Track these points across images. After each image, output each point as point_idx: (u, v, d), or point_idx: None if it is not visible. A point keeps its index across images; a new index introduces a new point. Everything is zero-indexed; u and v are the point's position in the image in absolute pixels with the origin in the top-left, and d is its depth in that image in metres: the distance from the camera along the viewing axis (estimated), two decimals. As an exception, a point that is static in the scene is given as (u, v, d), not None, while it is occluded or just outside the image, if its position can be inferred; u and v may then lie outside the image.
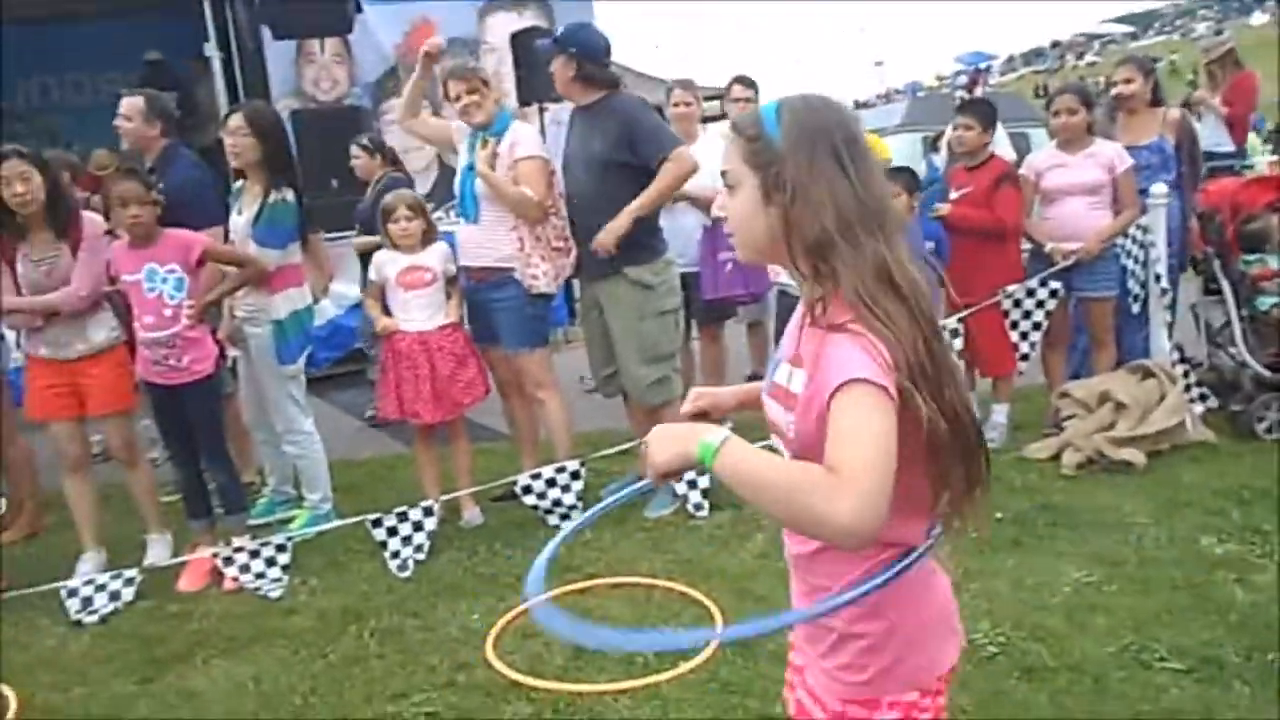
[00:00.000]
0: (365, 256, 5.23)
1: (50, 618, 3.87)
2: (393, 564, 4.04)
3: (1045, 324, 4.90)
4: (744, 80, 5.88)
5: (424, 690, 3.09)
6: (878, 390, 1.20)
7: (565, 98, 4.56)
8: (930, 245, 4.88)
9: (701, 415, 1.63)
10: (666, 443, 1.31)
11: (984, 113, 5.09)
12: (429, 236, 4.46)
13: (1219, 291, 4.86)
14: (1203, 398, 4.96)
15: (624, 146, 4.18)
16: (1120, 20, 67.39)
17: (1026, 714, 2.66)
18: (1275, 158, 11.09)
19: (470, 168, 4.35)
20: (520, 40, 6.81)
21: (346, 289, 6.22)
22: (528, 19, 8.75)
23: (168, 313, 3.99)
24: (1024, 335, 4.95)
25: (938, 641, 1.42)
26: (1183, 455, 4.51)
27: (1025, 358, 5.02)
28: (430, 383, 4.35)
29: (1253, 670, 2.76)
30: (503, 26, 8.50)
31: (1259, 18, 51.80)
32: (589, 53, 4.26)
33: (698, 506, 4.32)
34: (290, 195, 4.35)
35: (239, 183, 4.54)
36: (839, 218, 1.28)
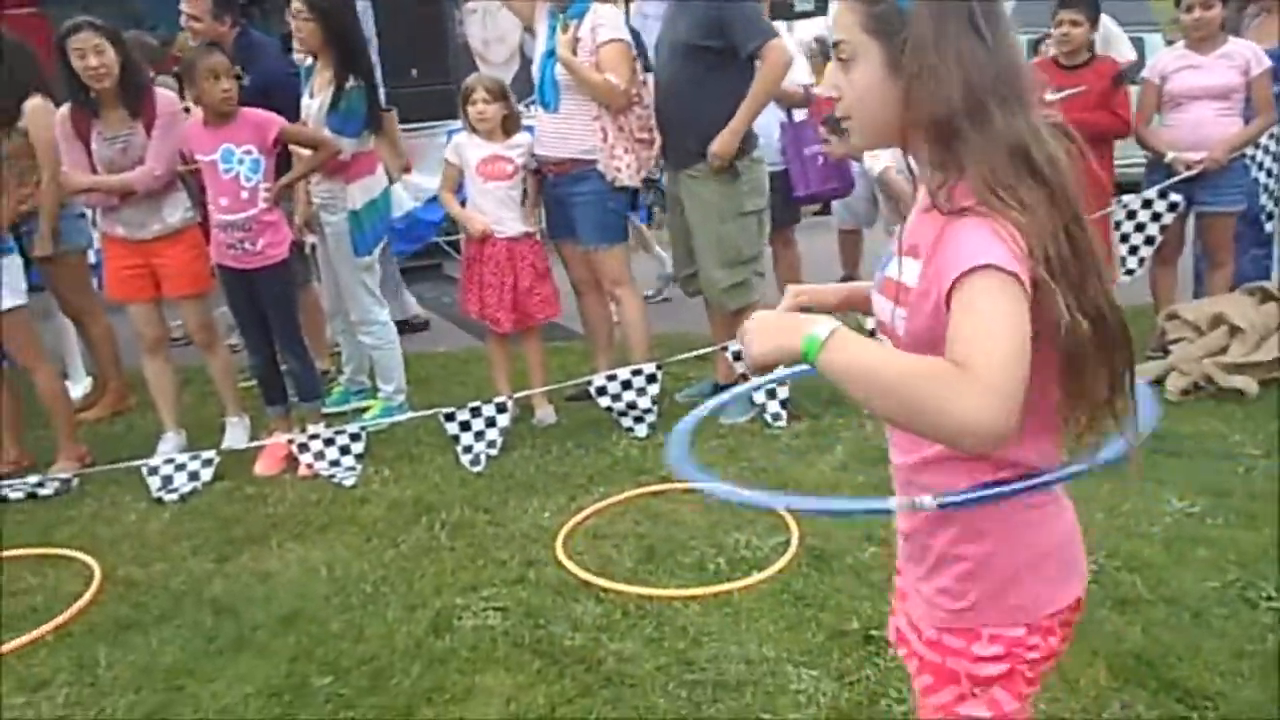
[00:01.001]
0: None
1: (133, 494, 3.96)
2: (465, 458, 4.01)
3: (1159, 239, 4.58)
4: None
5: (494, 585, 3.06)
6: (1009, 278, 1.05)
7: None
8: None
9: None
10: (766, 333, 1.17)
11: (1089, 8, 4.70)
12: (511, 125, 4.30)
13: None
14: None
15: (714, 31, 3.95)
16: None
17: (1118, 646, 2.52)
18: None
19: (550, 53, 4.16)
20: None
21: (426, 180, 6.11)
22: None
23: (244, 195, 3.94)
24: (1133, 249, 4.63)
25: (1051, 576, 1.27)
26: (1299, 385, 4.22)
27: (1131, 273, 4.71)
28: (512, 292, 4.27)
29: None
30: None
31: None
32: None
33: (775, 416, 4.19)
34: (359, 80, 4.22)
35: (309, 62, 4.43)
36: (972, 90, 1.11)
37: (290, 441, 4.08)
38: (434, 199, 5.88)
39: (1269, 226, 4.70)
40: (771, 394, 4.18)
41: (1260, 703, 2.28)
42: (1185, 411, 4.04)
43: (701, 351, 4.51)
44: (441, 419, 4.02)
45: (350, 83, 4.20)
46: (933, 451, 1.24)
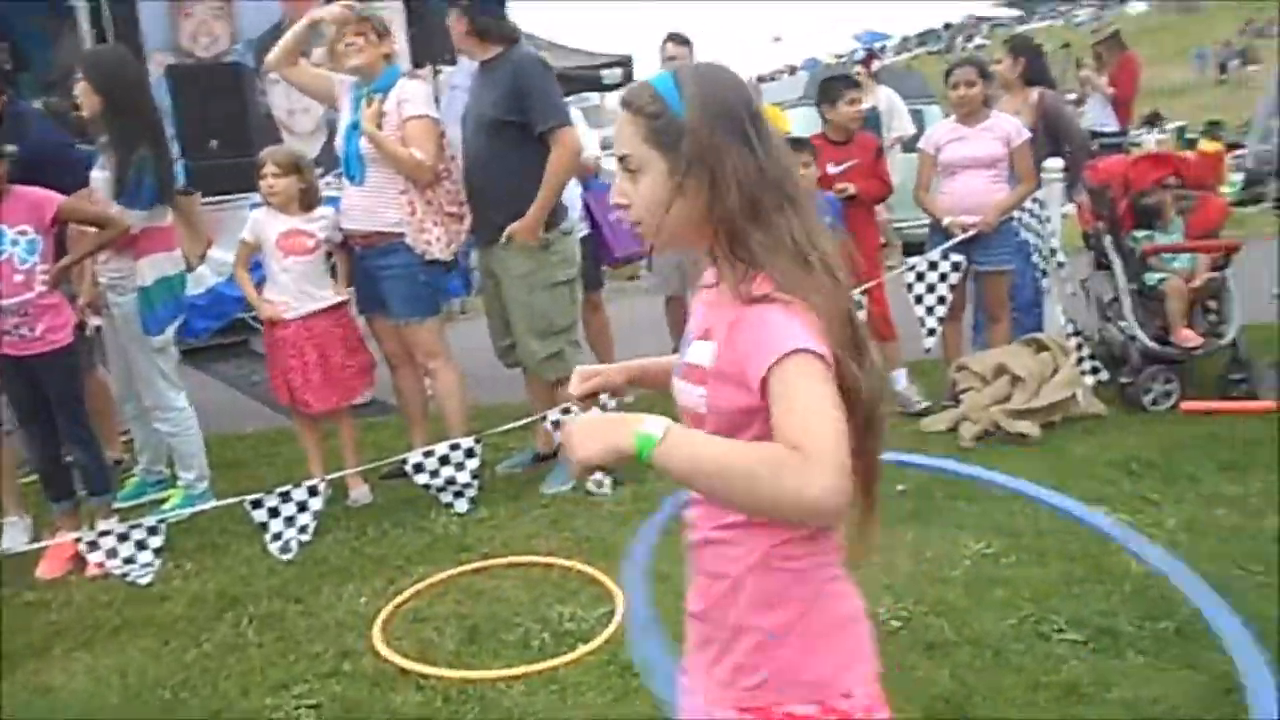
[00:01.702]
0: None
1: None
2: (274, 546, 3.81)
3: (949, 297, 4.92)
4: (678, 38, 5.68)
5: (306, 680, 2.90)
6: (817, 359, 1.12)
7: (462, 53, 4.36)
8: (829, 219, 4.81)
9: (592, 396, 1.51)
10: (593, 436, 1.17)
11: (852, 85, 5.18)
12: (310, 198, 4.20)
13: (1109, 266, 4.95)
14: (1094, 370, 5.07)
15: (514, 106, 4.00)
16: (1009, 3, 69.46)
17: (930, 689, 2.62)
18: (1163, 136, 11.56)
19: (354, 126, 4.11)
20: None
21: (228, 255, 5.86)
22: (422, -23, 8.43)
23: (19, 278, 3.67)
24: (930, 310, 4.96)
25: (847, 649, 1.29)
26: (1075, 427, 4.58)
27: (933, 332, 5.03)
28: (320, 370, 4.14)
29: (1146, 639, 2.78)
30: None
31: (1136, 5, 54.03)
32: (483, 6, 4.06)
33: (598, 484, 4.20)
34: (147, 151, 4.02)
35: (103, 137, 4.20)
36: (746, 197, 1.20)
37: (77, 540, 3.76)
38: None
39: (1045, 282, 5.13)
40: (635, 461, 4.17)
41: (1056, 732, 2.42)
42: (978, 457, 4.30)
43: (521, 422, 4.48)
44: (248, 506, 3.81)
45: (138, 153, 3.99)
46: (730, 519, 1.26)
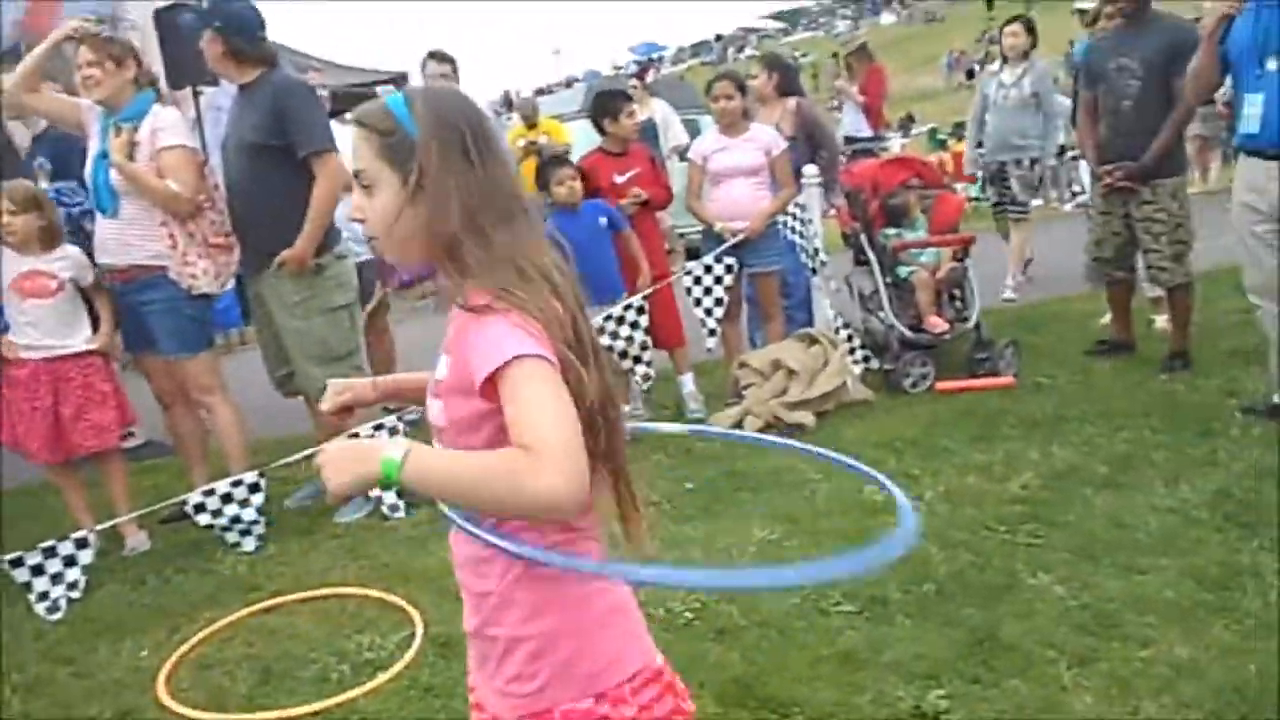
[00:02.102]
0: None
1: None
2: (40, 607, 3.54)
3: (726, 298, 5.15)
4: (439, 55, 5.67)
5: (82, 747, 2.73)
6: (541, 361, 1.18)
7: (220, 76, 4.20)
8: (604, 221, 4.90)
9: (347, 410, 1.54)
10: (342, 465, 1.21)
11: (628, 99, 5.38)
12: (51, 237, 3.92)
13: (867, 262, 5.34)
14: (865, 359, 5.44)
15: (275, 130, 3.91)
16: (774, 16, 73.13)
17: (722, 673, 2.76)
18: (908, 140, 12.50)
19: (103, 155, 3.89)
20: (165, 18, 6.21)
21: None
22: (172, -6, 8.02)
23: None
24: (708, 311, 5.17)
25: (615, 641, 1.35)
26: (847, 413, 4.92)
27: (714, 332, 5.25)
28: (51, 417, 3.85)
29: (912, 603, 3.04)
30: (144, 3, 7.73)
31: (887, 17, 58.06)
32: (237, 26, 3.94)
33: (393, 508, 4.14)
34: None
35: None
36: (467, 213, 1.26)
37: None
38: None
39: (815, 280, 5.48)
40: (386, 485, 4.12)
41: (836, 698, 2.60)
42: (761, 449, 4.55)
43: (308, 452, 4.35)
44: (6, 566, 3.51)
45: None
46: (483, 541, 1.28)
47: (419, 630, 3.10)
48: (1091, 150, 5.18)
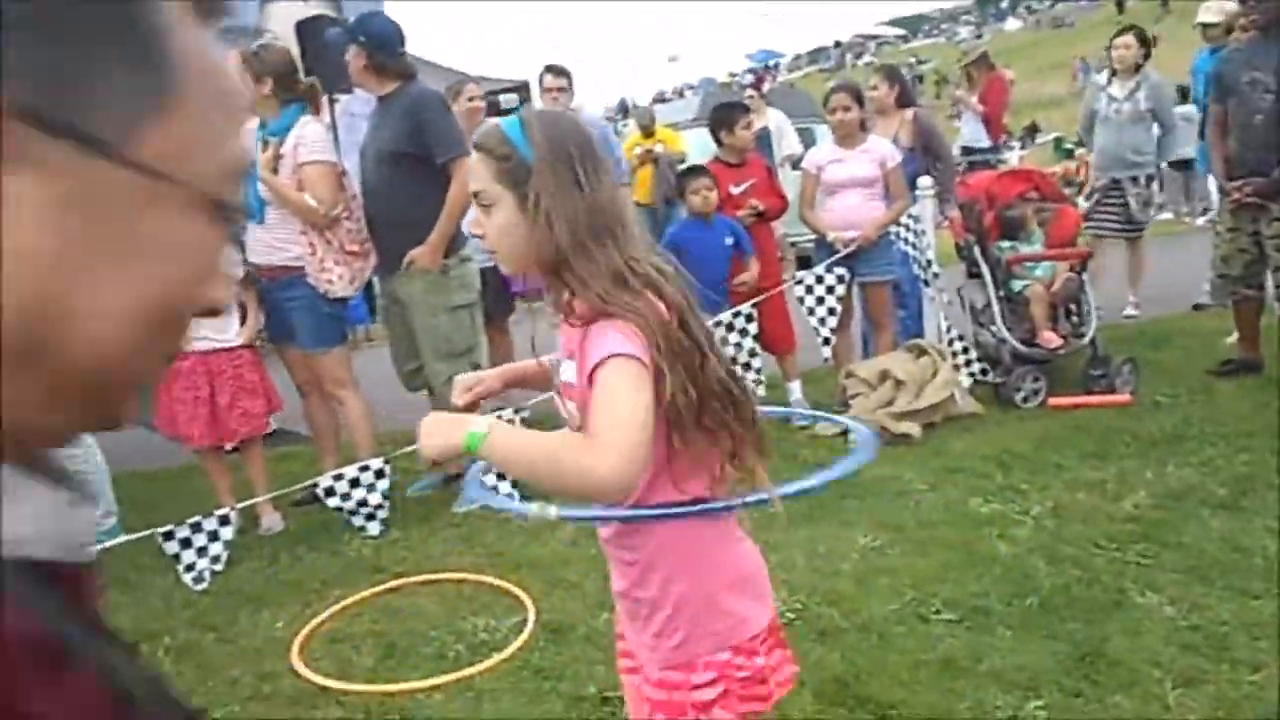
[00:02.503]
0: None
1: None
2: (187, 577, 3.85)
3: (839, 308, 5.19)
4: (556, 69, 5.91)
5: (226, 704, 2.97)
6: (628, 359, 1.31)
7: (361, 87, 4.48)
8: (731, 240, 5.04)
9: (475, 405, 1.69)
10: (434, 433, 1.38)
11: (745, 110, 5.47)
12: None
13: (980, 275, 5.31)
14: (983, 370, 5.40)
15: (412, 139, 4.14)
16: (893, 23, 71.95)
17: (821, 672, 2.83)
18: (1025, 152, 12.21)
19: (254, 165, 4.19)
20: (306, 29, 6.57)
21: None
22: (313, 7, 8.46)
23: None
24: (822, 321, 5.23)
25: (745, 602, 1.51)
26: (954, 426, 4.90)
27: (827, 341, 5.29)
28: (209, 406, 4.19)
29: (1014, 615, 3.05)
30: (286, 15, 8.18)
31: (1012, 23, 56.49)
32: (380, 42, 4.19)
33: (510, 497, 4.32)
34: None
35: None
36: (572, 233, 1.38)
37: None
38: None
39: (928, 291, 5.48)
40: (502, 477, 4.31)
41: (934, 703, 2.65)
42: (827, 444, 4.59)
43: (430, 444, 4.58)
44: (159, 538, 3.83)
45: None
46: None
47: (531, 615, 3.28)
48: (1220, 164, 5.04)
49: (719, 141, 5.35)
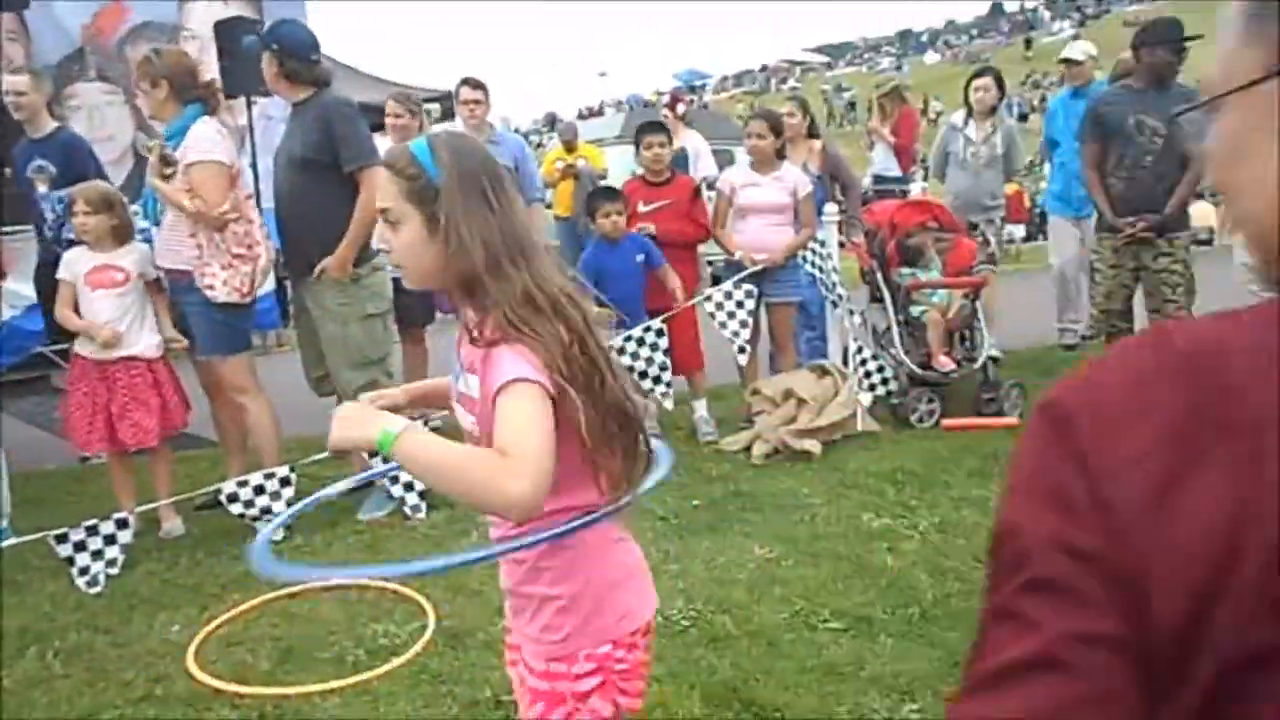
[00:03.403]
0: None
1: None
2: (81, 580, 3.78)
3: (750, 320, 5.28)
4: (473, 82, 5.96)
5: (116, 707, 2.95)
6: (531, 384, 1.38)
7: (275, 94, 4.48)
8: (641, 257, 5.12)
9: None
10: (349, 424, 1.44)
11: (664, 130, 5.58)
12: (122, 235, 4.22)
13: (881, 299, 5.52)
14: (884, 383, 5.54)
15: (323, 147, 4.15)
16: (819, 50, 73.49)
17: (711, 677, 2.93)
18: (927, 184, 12.67)
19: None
20: (225, 29, 6.52)
21: (22, 288, 5.70)
22: (233, 9, 8.37)
23: None
24: (735, 333, 5.27)
25: (628, 598, 1.60)
26: (853, 443, 5.09)
27: (743, 349, 5.35)
28: (105, 414, 4.17)
29: (897, 624, 3.20)
30: (205, 14, 8.08)
31: (931, 56, 58.22)
32: (292, 49, 4.20)
33: (415, 508, 4.36)
34: None
35: None
36: (488, 253, 1.45)
37: None
38: (33, 307, 5.51)
39: (835, 312, 5.66)
40: (410, 486, 4.35)
41: (816, 707, 2.77)
42: (767, 473, 4.74)
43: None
44: (52, 541, 3.76)
45: None
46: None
47: (430, 621, 3.31)
48: (1105, 203, 5.33)
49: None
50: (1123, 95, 5.33)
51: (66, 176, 5.10)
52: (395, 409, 1.79)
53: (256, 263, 4.30)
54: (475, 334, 1.48)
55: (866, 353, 5.55)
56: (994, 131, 6.43)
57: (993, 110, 6.51)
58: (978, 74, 6.74)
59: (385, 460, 1.41)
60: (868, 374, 5.49)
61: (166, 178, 4.09)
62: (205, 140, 4.17)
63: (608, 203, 5.08)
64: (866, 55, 70.22)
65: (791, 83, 58.65)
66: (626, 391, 1.52)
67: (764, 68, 69.78)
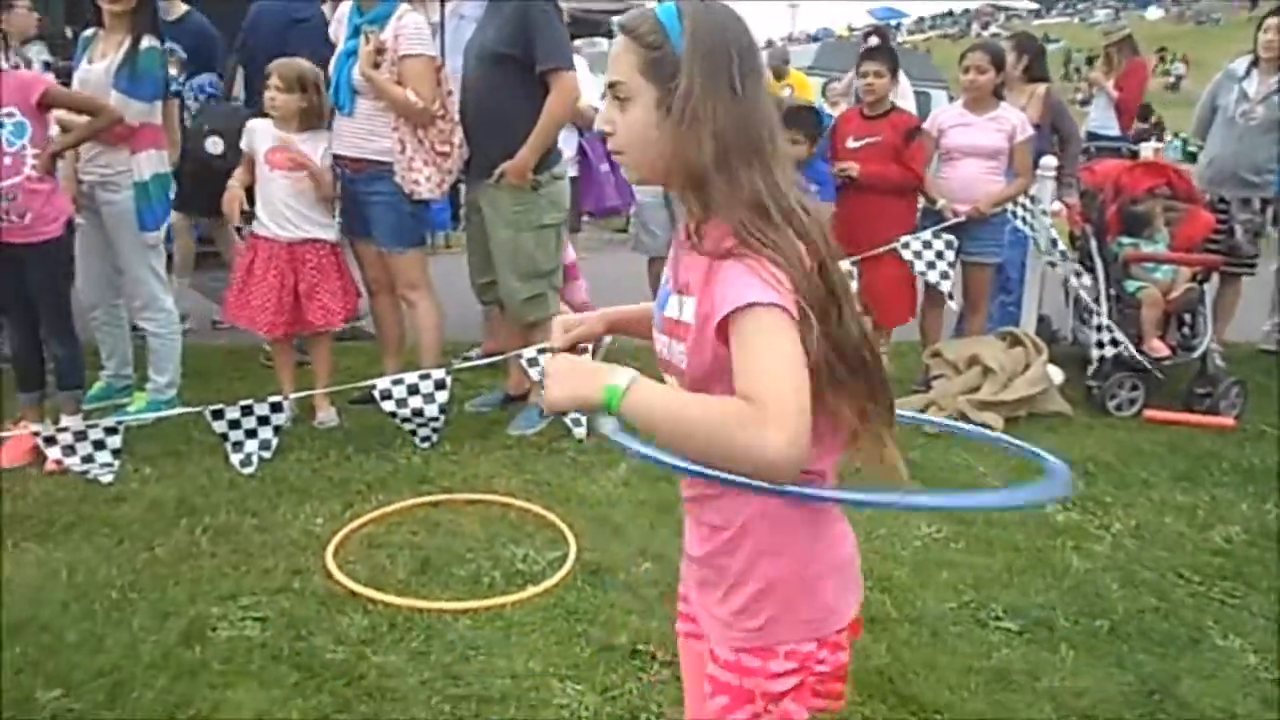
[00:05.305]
0: None
1: None
2: (235, 458, 3.81)
3: (950, 272, 4.84)
4: None
5: (255, 594, 2.93)
6: (779, 312, 1.12)
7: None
8: (815, 189, 4.73)
9: (574, 348, 1.53)
10: (568, 381, 1.21)
11: (891, 60, 5.05)
12: (311, 119, 4.15)
13: (1092, 269, 4.98)
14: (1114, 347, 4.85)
15: (518, 42, 3.95)
16: (1027, -4, 69.04)
17: (865, 662, 2.67)
18: (1160, 145, 11.58)
19: (349, 54, 4.05)
20: (426, -79, 6.38)
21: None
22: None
23: (7, 160, 3.63)
24: (944, 275, 4.86)
25: (838, 590, 1.36)
26: (1039, 424, 4.63)
27: (951, 296, 4.97)
28: (292, 295, 4.16)
29: (1080, 635, 2.86)
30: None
31: (1154, 11, 53.77)
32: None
33: (575, 422, 4.19)
34: (157, 44, 4.00)
35: (89, 31, 4.15)
36: (720, 146, 1.20)
37: (36, 434, 3.75)
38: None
39: (1031, 278, 5.14)
40: (605, 411, 4.16)
41: (983, 714, 2.49)
42: (939, 443, 4.35)
43: (494, 359, 4.49)
44: (209, 416, 3.79)
45: (146, 43, 3.95)
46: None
47: (572, 552, 3.18)
48: None
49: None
50: None
51: (196, 61, 5.13)
52: (593, 336, 1.56)
53: (452, 160, 4.19)
54: (698, 240, 1.23)
55: (1102, 319, 4.85)
56: (1279, 89, 5.37)
57: None
58: (1273, 11, 5.53)
59: (610, 413, 1.16)
60: (1099, 344, 4.85)
61: (377, 66, 3.98)
62: (418, 31, 4.06)
63: (788, 129, 4.65)
64: (1081, 5, 65.53)
65: (994, 28, 55.41)
66: (866, 331, 1.24)
67: (966, 10, 66.17)
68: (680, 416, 1.13)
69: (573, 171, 4.87)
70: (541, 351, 4.03)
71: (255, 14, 5.13)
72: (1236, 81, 5.56)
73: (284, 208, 4.12)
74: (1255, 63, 5.49)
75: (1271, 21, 5.45)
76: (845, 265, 4.53)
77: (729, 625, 1.36)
